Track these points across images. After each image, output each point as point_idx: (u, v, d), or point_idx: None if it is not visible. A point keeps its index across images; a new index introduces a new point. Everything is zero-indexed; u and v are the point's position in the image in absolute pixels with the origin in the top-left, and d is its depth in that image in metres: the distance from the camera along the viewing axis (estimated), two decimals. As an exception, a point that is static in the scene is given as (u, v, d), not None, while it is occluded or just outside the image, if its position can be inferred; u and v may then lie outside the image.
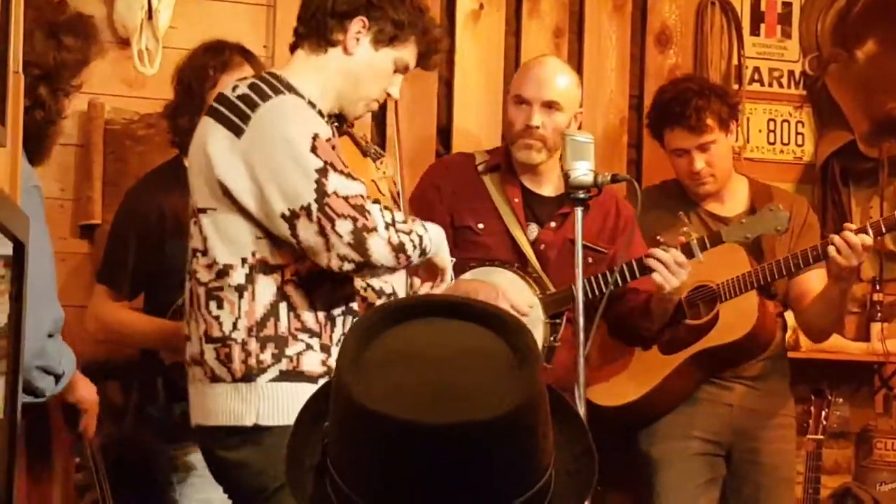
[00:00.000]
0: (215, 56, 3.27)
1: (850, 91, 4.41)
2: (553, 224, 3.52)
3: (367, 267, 2.57)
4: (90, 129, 3.71)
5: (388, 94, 2.82)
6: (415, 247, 2.62)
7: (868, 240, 3.36)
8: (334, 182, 2.55)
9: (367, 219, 2.54)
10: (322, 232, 2.53)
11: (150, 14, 3.65)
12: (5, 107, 1.92)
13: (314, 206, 2.53)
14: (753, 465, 3.71)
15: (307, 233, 2.54)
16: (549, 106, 3.46)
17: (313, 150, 2.56)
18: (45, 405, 2.95)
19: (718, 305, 3.60)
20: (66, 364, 2.51)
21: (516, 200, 3.53)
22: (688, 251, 3.35)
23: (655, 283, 3.34)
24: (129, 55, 3.69)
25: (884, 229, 3.44)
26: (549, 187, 3.57)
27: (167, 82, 3.44)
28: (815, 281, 3.65)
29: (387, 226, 2.57)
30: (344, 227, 2.52)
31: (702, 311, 3.66)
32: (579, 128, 3.50)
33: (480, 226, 3.51)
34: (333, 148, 2.62)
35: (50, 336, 2.41)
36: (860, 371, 4.41)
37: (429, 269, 2.82)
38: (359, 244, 2.53)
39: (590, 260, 3.45)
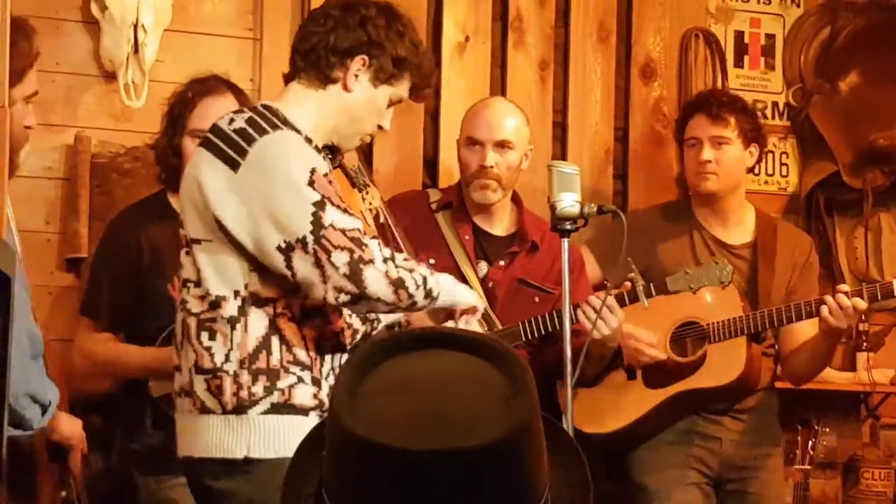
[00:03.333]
0: (198, 83, 3.32)
1: (834, 122, 4.44)
2: (502, 263, 3.59)
3: (363, 299, 2.54)
4: (76, 162, 3.71)
5: (380, 127, 2.83)
6: (418, 286, 2.59)
7: (861, 304, 3.43)
8: (331, 215, 2.54)
9: (363, 251, 2.53)
10: (318, 264, 2.52)
11: (136, 48, 3.66)
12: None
13: (310, 238, 2.52)
14: (741, 494, 3.71)
15: (302, 265, 2.53)
16: (502, 145, 3.55)
17: (311, 184, 2.55)
18: (30, 440, 2.93)
19: (707, 346, 3.62)
20: (52, 395, 2.49)
21: (467, 238, 3.59)
22: (633, 296, 3.38)
23: (584, 327, 3.33)
24: (115, 89, 3.70)
25: (879, 296, 3.47)
26: (500, 227, 3.65)
27: (154, 115, 3.44)
28: (806, 327, 3.67)
29: (384, 259, 2.56)
30: (340, 258, 2.51)
31: (689, 348, 3.67)
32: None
33: (431, 261, 3.53)
34: (330, 183, 2.62)
35: (33, 359, 2.38)
36: (847, 401, 4.42)
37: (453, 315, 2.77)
38: (354, 275, 2.51)
39: (536, 299, 3.56)
